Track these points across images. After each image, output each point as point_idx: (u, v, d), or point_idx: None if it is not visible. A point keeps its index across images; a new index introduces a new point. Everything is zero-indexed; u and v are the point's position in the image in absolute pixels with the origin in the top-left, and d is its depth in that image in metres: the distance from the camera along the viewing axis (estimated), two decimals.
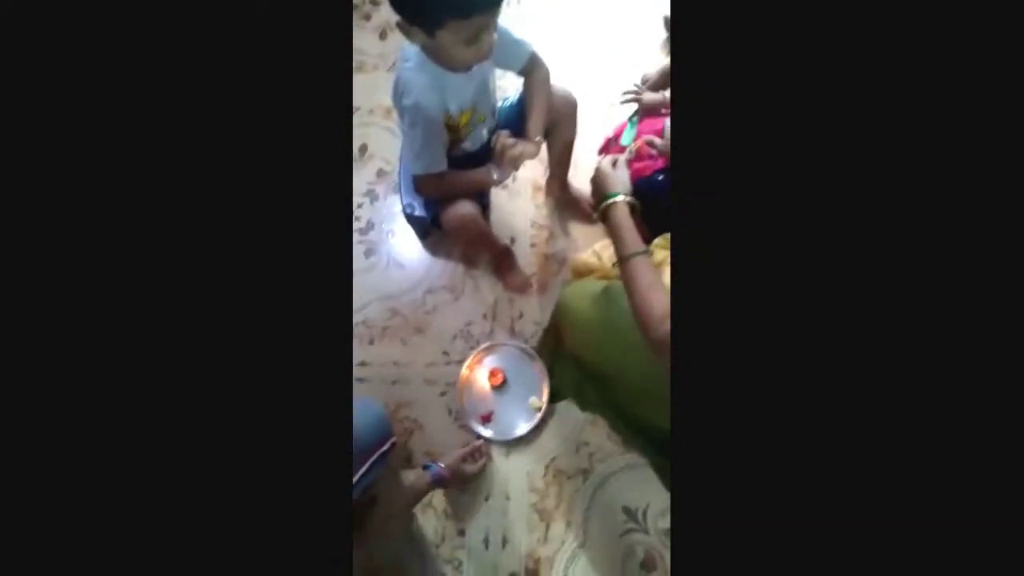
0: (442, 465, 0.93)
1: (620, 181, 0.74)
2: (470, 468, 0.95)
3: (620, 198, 0.72)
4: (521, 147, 0.87)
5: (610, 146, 1.11)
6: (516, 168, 0.91)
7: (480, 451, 0.98)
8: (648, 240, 0.91)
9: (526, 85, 0.91)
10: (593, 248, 1.06)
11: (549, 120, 0.93)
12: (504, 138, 0.87)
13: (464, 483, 0.97)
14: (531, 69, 0.89)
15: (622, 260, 0.69)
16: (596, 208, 0.75)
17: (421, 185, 0.91)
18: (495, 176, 0.89)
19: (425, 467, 0.92)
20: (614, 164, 0.76)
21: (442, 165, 0.86)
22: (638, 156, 1.01)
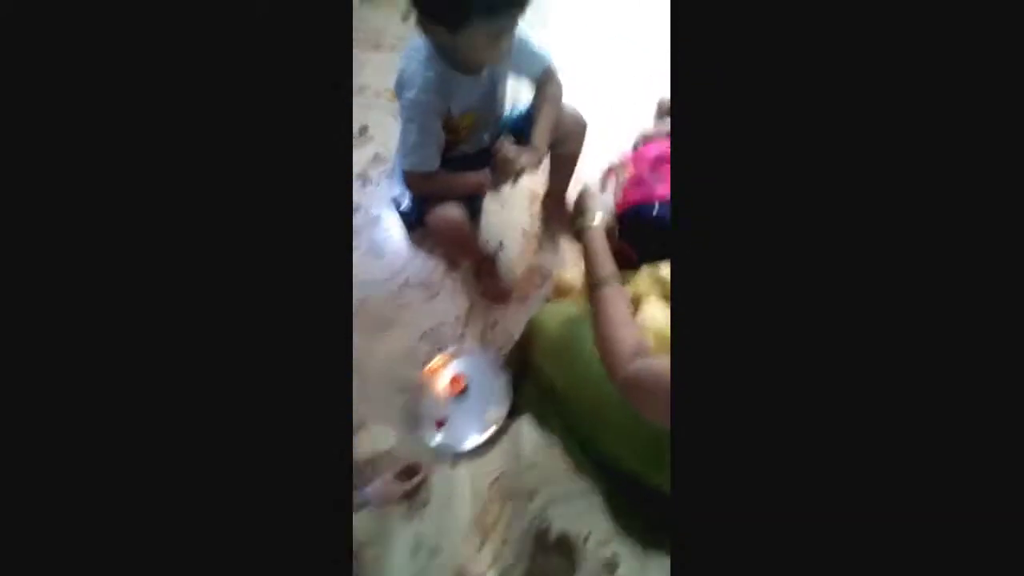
0: (372, 488, 0.87)
1: (602, 203, 0.73)
2: (401, 489, 0.90)
3: (598, 220, 0.71)
4: (524, 159, 0.85)
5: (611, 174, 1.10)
6: (514, 180, 0.88)
7: (414, 469, 0.94)
8: (635, 265, 0.90)
9: (537, 96, 0.89)
10: (579, 267, 1.04)
11: (555, 136, 0.91)
12: (506, 146, 0.84)
13: (394, 503, 0.92)
14: (545, 81, 0.87)
15: (592, 286, 0.67)
16: (573, 231, 0.74)
17: (410, 182, 0.88)
18: (489, 182, 0.87)
19: (357, 490, 0.88)
20: (602, 188, 0.75)
21: (433, 164, 0.84)
22: (636, 182, 1.00)
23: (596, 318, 0.65)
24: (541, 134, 0.87)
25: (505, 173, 0.85)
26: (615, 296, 0.65)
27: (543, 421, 1.00)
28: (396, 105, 1.28)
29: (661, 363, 0.56)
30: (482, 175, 0.87)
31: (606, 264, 0.68)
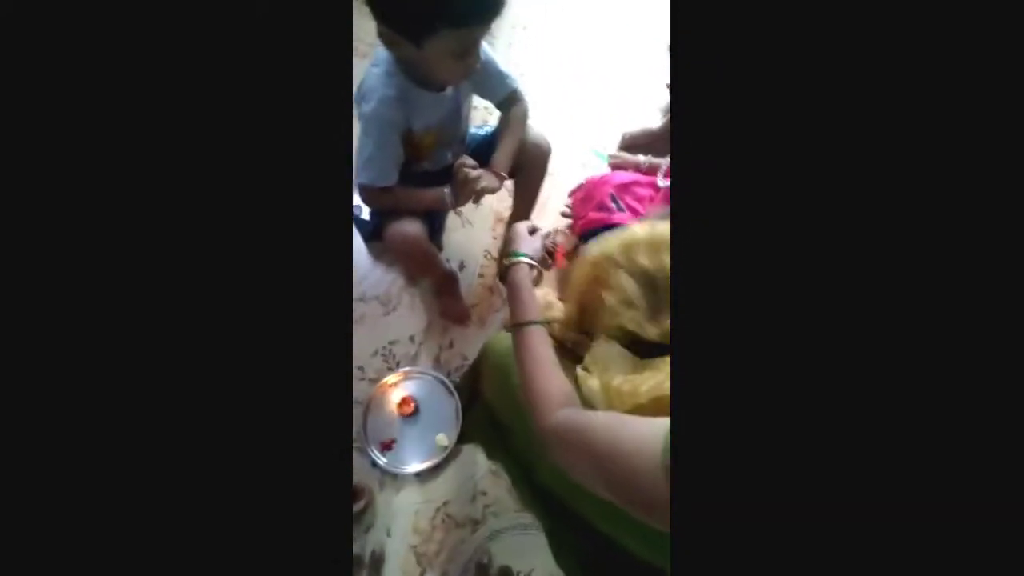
0: None
1: (531, 247, 0.71)
2: None
3: (523, 259, 0.69)
4: (484, 180, 0.84)
5: (579, 191, 1.10)
6: (475, 200, 0.87)
7: (359, 492, 0.91)
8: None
9: (502, 119, 0.88)
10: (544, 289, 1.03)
11: (518, 160, 0.91)
12: (467, 166, 0.83)
13: None
14: (510, 104, 0.86)
15: (514, 329, 0.64)
16: (500, 270, 0.72)
17: (365, 195, 0.86)
18: (448, 201, 0.85)
19: None
20: (531, 231, 0.73)
21: (389, 180, 0.82)
22: (598, 207, 1.00)
23: (519, 362, 0.62)
24: (502, 158, 0.86)
25: (464, 193, 0.83)
26: (536, 339, 0.62)
27: (490, 450, 0.98)
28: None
29: (585, 420, 0.52)
30: (439, 192, 0.85)
31: (526, 306, 0.65)
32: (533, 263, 0.69)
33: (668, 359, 0.70)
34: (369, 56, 1.34)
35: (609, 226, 0.95)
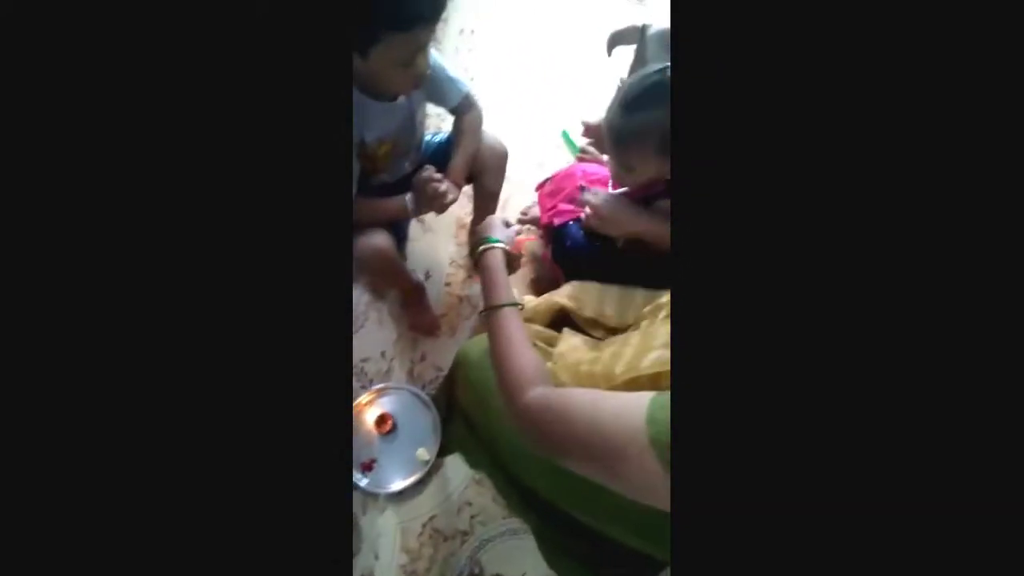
0: None
1: (504, 235, 0.72)
2: None
3: (499, 244, 0.69)
4: (445, 187, 0.82)
5: (545, 184, 1.10)
6: (438, 209, 0.86)
7: None
8: (558, 283, 0.89)
9: (456, 126, 0.87)
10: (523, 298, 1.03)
11: (476, 166, 0.90)
12: (429, 174, 0.81)
13: None
14: (463, 110, 0.85)
15: (489, 309, 0.64)
16: (472, 255, 0.72)
17: None
18: (410, 208, 0.83)
19: None
20: (506, 224, 0.74)
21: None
22: (566, 199, 1.00)
23: (492, 345, 0.62)
24: (459, 166, 0.85)
25: (434, 206, 0.82)
26: (510, 320, 0.61)
27: (472, 460, 0.97)
28: None
29: (560, 395, 0.52)
30: (401, 201, 0.83)
31: (500, 288, 0.65)
32: (506, 248, 0.69)
33: (625, 334, 0.71)
34: None
35: (580, 218, 0.96)
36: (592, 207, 0.81)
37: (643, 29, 1.13)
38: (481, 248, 0.70)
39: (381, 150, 0.79)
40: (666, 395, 0.43)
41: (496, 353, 0.60)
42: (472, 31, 1.47)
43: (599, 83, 1.39)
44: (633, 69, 1.25)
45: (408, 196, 0.82)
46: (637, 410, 0.43)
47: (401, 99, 0.76)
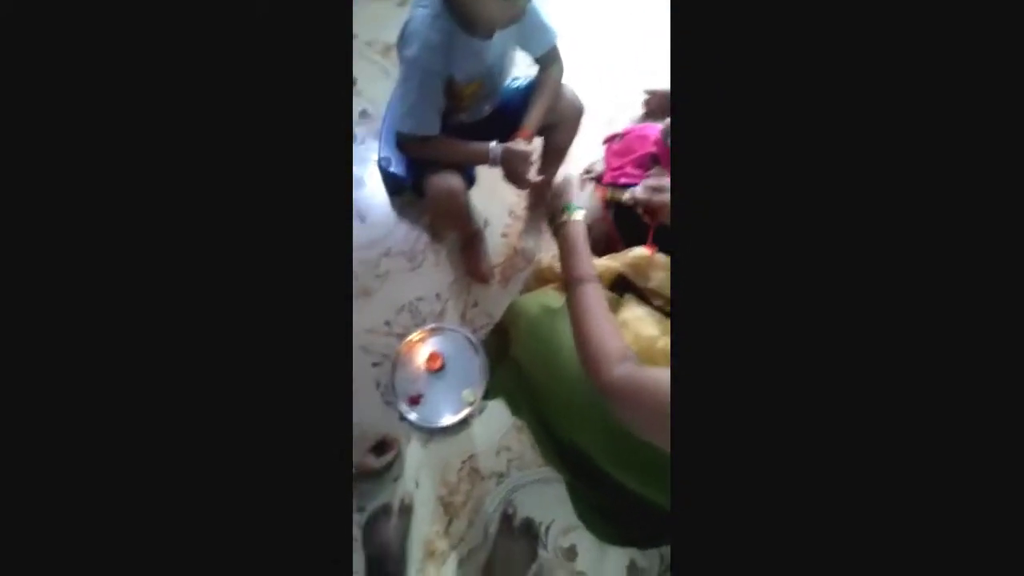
0: None
1: (583, 199, 0.70)
2: (375, 463, 0.90)
3: (579, 214, 0.67)
4: (532, 169, 0.82)
5: (615, 140, 1.07)
6: (521, 186, 0.85)
7: (389, 443, 0.93)
8: (614, 244, 0.89)
9: (539, 76, 0.85)
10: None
11: (552, 118, 0.88)
12: (526, 151, 0.79)
13: (368, 477, 0.91)
14: (549, 62, 0.83)
15: (569, 283, 0.64)
16: (551, 221, 0.70)
17: (405, 145, 0.83)
18: (492, 158, 0.82)
19: None
20: (582, 186, 0.72)
21: (433, 128, 0.79)
22: (635, 163, 0.98)
23: (575, 318, 0.62)
24: (534, 119, 0.83)
25: (513, 175, 0.81)
26: (594, 296, 0.62)
27: (515, 407, 1.00)
28: (388, 61, 1.21)
29: (651, 374, 0.54)
30: (485, 147, 0.81)
31: (584, 261, 0.65)
32: (584, 221, 0.68)
33: None
34: (376, 61, 1.28)
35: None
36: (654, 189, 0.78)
37: None
38: (563, 218, 0.68)
39: (468, 89, 0.78)
40: None
41: (579, 327, 0.61)
42: None
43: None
44: None
45: (493, 144, 0.80)
46: None
47: (495, 38, 0.73)
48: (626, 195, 0.77)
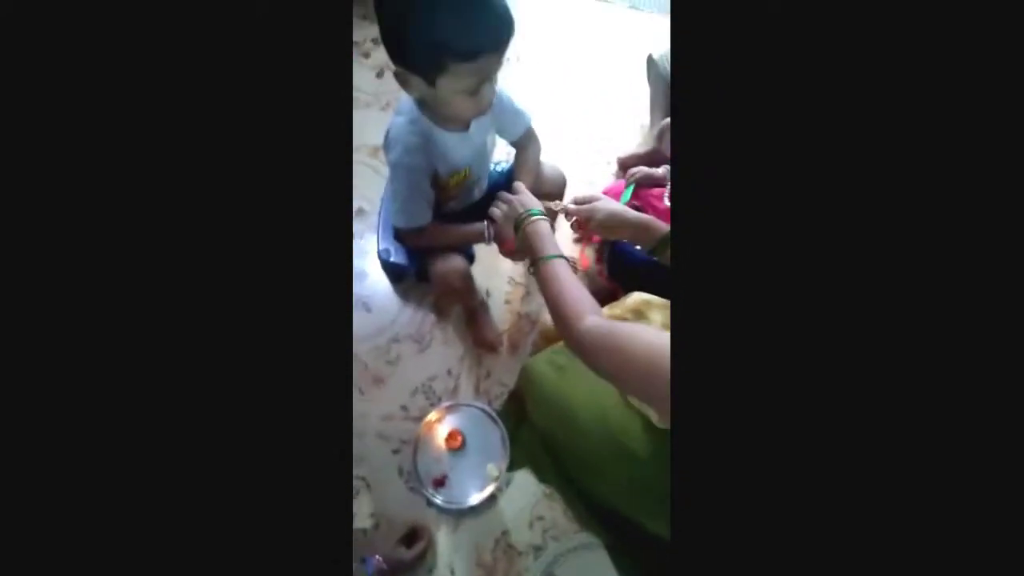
0: (379, 558, 0.85)
1: (539, 206, 0.75)
2: (407, 555, 0.88)
3: (541, 217, 0.72)
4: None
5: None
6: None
7: (419, 532, 0.92)
8: (615, 295, 0.91)
9: (518, 158, 0.91)
10: None
11: (538, 192, 0.94)
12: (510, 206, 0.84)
13: (404, 571, 0.89)
14: (526, 143, 0.89)
15: (537, 262, 0.68)
16: (515, 228, 0.76)
17: (405, 237, 0.89)
18: (486, 236, 0.87)
19: (362, 560, 0.85)
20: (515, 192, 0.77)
21: (425, 219, 0.85)
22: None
23: (544, 286, 0.66)
24: (523, 179, 0.88)
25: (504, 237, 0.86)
26: (561, 265, 0.67)
27: (541, 474, 0.98)
28: (377, 160, 1.30)
29: (617, 324, 0.57)
30: (480, 227, 0.87)
31: (549, 244, 0.70)
32: (548, 218, 0.73)
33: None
34: (371, 105, 1.39)
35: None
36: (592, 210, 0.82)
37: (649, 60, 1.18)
38: (525, 220, 0.73)
39: (453, 180, 0.84)
40: None
41: (550, 294, 0.65)
42: (518, 58, 1.53)
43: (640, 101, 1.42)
44: (652, 98, 1.29)
45: (485, 223, 0.86)
46: (667, 339, 0.50)
47: (472, 129, 0.80)
48: (558, 206, 0.83)
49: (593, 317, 0.59)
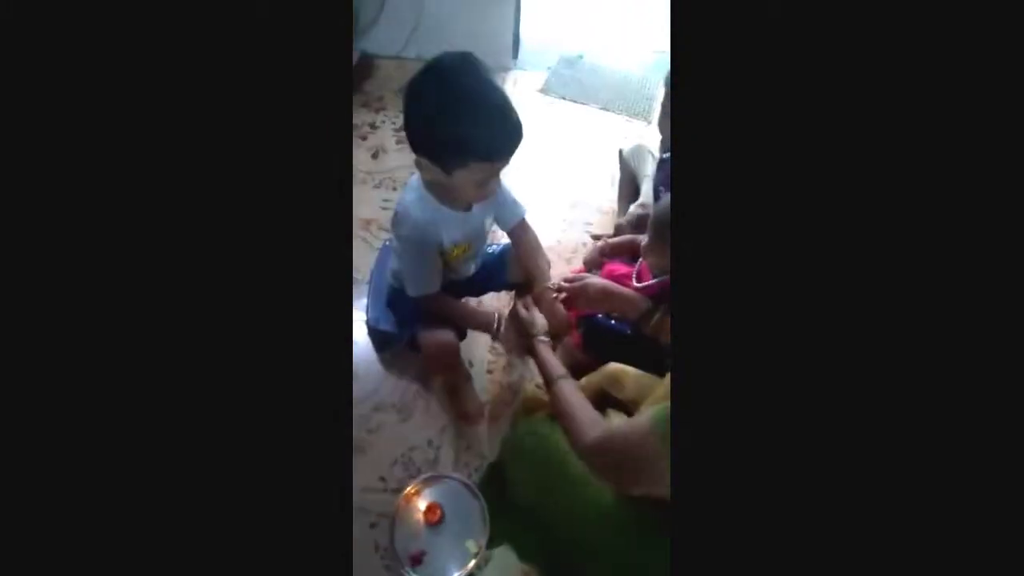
0: None
1: (537, 323, 0.89)
2: None
3: (542, 338, 0.87)
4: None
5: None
6: (519, 354, 1.02)
7: None
8: (591, 366, 0.96)
9: (521, 245, 1.00)
10: (536, 380, 1.09)
11: (526, 275, 1.03)
12: (528, 312, 0.92)
13: None
14: (522, 232, 0.99)
15: (548, 384, 0.82)
16: (519, 344, 0.92)
17: (422, 302, 0.94)
18: (495, 329, 0.94)
19: None
20: (526, 307, 0.91)
21: (435, 287, 0.92)
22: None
23: (557, 406, 0.78)
24: (542, 273, 0.97)
25: (516, 346, 0.94)
26: (568, 386, 0.79)
27: (522, 551, 0.97)
28: (368, 233, 1.37)
29: (616, 430, 0.68)
30: (491, 316, 0.95)
31: (555, 365, 0.83)
32: (547, 339, 0.89)
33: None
34: (366, 182, 1.48)
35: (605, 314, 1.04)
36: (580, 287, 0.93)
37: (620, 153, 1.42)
38: (532, 340, 0.87)
39: (455, 252, 0.91)
40: (660, 406, 0.64)
41: (560, 412, 0.78)
42: None
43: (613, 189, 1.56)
44: (620, 189, 1.45)
45: (497, 315, 0.94)
46: (644, 420, 0.64)
47: (474, 210, 0.88)
48: (551, 283, 0.96)
49: (593, 432, 0.71)
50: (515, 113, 0.71)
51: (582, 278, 0.94)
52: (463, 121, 0.68)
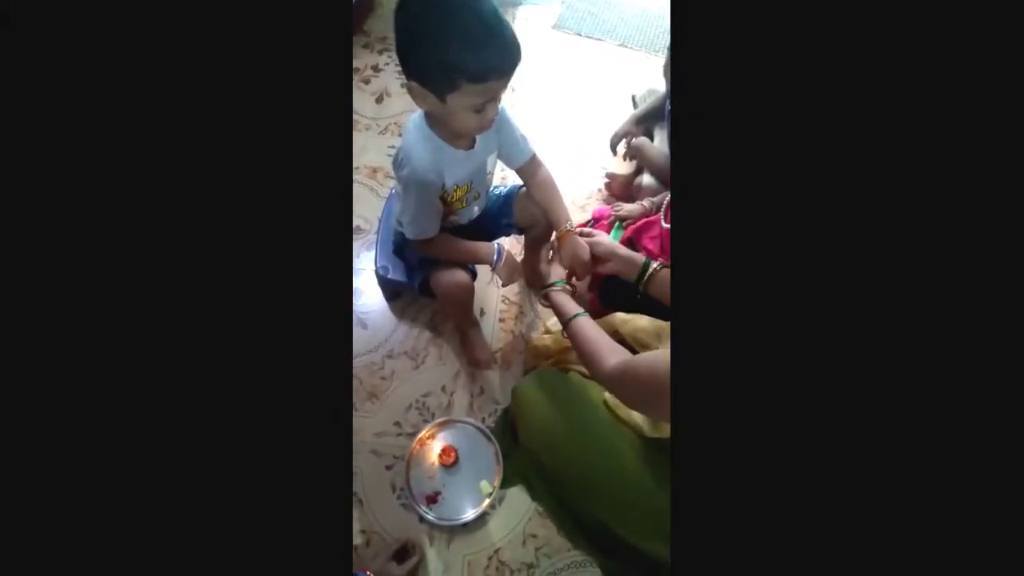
0: (370, 574, 0.84)
1: (555, 273, 0.93)
2: (399, 571, 0.87)
3: (559, 286, 0.90)
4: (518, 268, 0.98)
5: (587, 227, 1.15)
6: (507, 282, 0.98)
7: (411, 548, 0.91)
8: (603, 314, 0.95)
9: (534, 183, 0.95)
10: (545, 324, 1.08)
11: (533, 218, 0.99)
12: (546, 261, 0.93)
13: None
14: (534, 169, 0.94)
15: (565, 323, 0.83)
16: (539, 294, 0.96)
17: (417, 246, 0.92)
18: (495, 260, 0.92)
19: None
20: (549, 260, 0.95)
21: (434, 231, 0.90)
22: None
23: (575, 340, 0.80)
24: (560, 213, 0.93)
25: (509, 272, 0.94)
26: (585, 322, 0.81)
27: (533, 492, 0.99)
28: (375, 181, 1.34)
29: (636, 359, 0.68)
30: (491, 248, 0.93)
31: (572, 306, 0.85)
32: (567, 285, 0.92)
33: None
34: (370, 129, 1.44)
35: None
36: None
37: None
38: (548, 289, 0.90)
39: (456, 194, 0.87)
40: None
41: (578, 344, 0.79)
42: (513, 88, 1.59)
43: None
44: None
45: (497, 245, 0.91)
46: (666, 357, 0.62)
47: (476, 148, 0.84)
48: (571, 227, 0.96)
49: (613, 359, 0.72)
50: (509, 29, 0.66)
51: (592, 234, 0.94)
52: (451, 37, 0.63)
